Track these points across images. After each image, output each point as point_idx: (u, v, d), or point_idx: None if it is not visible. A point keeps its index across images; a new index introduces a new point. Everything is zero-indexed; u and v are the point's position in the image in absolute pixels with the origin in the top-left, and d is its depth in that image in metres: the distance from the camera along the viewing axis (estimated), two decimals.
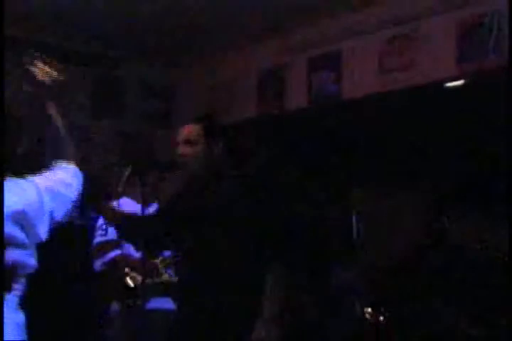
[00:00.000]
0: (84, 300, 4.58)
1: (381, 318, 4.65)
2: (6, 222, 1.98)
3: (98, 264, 3.89)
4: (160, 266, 3.73)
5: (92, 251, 3.95)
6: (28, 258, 2.10)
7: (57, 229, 2.69)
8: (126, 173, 3.75)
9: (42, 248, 2.62)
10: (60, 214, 2.19)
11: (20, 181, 2.11)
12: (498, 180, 4.88)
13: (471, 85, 4.48)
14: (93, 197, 2.92)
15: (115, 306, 3.84)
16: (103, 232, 3.72)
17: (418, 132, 5.10)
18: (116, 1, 4.62)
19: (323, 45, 4.99)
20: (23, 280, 2.13)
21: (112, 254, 3.85)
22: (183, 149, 3.02)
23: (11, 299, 2.11)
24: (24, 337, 2.10)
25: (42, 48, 5.04)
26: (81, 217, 4.03)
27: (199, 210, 3.02)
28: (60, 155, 2.38)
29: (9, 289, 2.08)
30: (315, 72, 5.12)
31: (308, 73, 5.14)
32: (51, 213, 2.13)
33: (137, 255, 3.57)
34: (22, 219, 2.02)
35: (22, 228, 2.03)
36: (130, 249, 3.69)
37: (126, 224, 3.38)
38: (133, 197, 3.80)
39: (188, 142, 3.03)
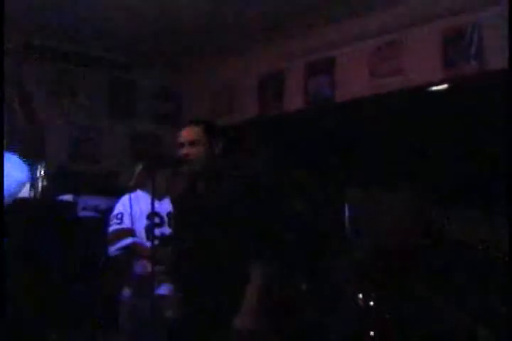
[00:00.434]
0: (96, 285, 4.57)
1: (371, 303, 4.79)
2: None
3: (112, 250, 3.90)
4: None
5: (107, 238, 3.95)
6: None
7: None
8: (138, 169, 3.89)
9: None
10: None
11: None
12: (494, 180, 5.03)
13: (454, 89, 4.61)
14: None
15: (126, 291, 3.88)
16: (118, 221, 3.90)
17: (408, 132, 5.20)
18: (130, 16, 4.79)
19: (319, 51, 5.10)
20: None
21: (126, 242, 3.86)
22: (186, 150, 3.05)
23: None
24: None
25: (66, 55, 5.39)
26: None
27: (199, 209, 3.04)
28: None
29: None
30: (312, 76, 5.19)
31: (306, 77, 5.23)
32: None
33: (148, 244, 3.67)
34: None
35: None
36: (142, 240, 3.82)
37: None
38: (146, 191, 3.85)
39: (191, 143, 3.06)
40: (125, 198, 3.94)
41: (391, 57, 4.68)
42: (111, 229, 3.92)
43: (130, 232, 3.85)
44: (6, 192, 2.51)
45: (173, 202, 3.56)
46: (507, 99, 4.09)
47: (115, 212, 3.97)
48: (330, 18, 4.80)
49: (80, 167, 5.36)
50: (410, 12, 4.54)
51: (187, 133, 3.09)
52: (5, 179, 2.54)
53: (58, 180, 4.87)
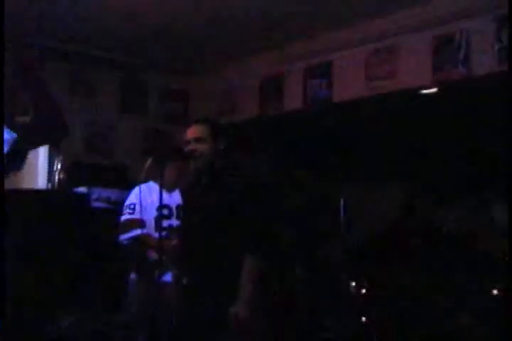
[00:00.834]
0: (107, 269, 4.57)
1: (363, 291, 4.89)
2: None
3: (122, 239, 4.00)
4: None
5: (119, 226, 4.04)
6: None
7: None
8: (147, 163, 3.86)
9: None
10: None
11: None
12: (484, 176, 5.21)
13: (443, 91, 4.81)
14: None
15: (133, 276, 3.99)
16: (131, 211, 4.00)
17: (400, 131, 5.37)
18: (142, 22, 4.92)
19: (317, 56, 5.23)
20: None
21: (135, 233, 3.94)
22: (192, 146, 3.08)
23: None
24: None
25: (84, 58, 5.50)
26: None
27: (202, 203, 3.08)
28: None
29: None
30: (310, 78, 5.31)
31: (305, 80, 5.36)
32: None
33: (156, 234, 3.72)
34: None
35: None
36: (151, 230, 3.94)
37: None
38: (158, 183, 3.76)
39: (196, 140, 3.09)
40: (137, 189, 3.95)
41: (385, 61, 4.83)
42: (123, 218, 4.02)
43: (140, 223, 3.93)
44: None
45: (181, 195, 3.65)
46: (505, 99, 4.32)
47: (128, 202, 4.06)
48: (328, 25, 4.92)
49: (93, 161, 5.48)
50: (403, 20, 4.68)
51: (193, 131, 3.14)
52: None
53: (73, 172, 4.94)
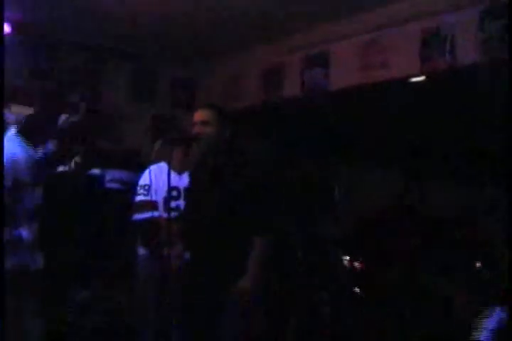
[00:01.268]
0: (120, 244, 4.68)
1: (356, 264, 5.21)
2: None
3: (135, 218, 4.02)
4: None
5: (133, 206, 4.05)
6: None
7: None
8: (157, 146, 3.75)
9: None
10: None
11: None
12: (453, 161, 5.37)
13: (431, 80, 4.96)
14: None
15: (142, 250, 4.09)
16: (145, 192, 4.00)
17: (391, 117, 5.54)
18: (155, 17, 5.04)
19: (315, 47, 5.33)
20: None
21: (147, 215, 3.95)
22: (199, 129, 3.18)
23: None
24: None
25: (101, 50, 5.71)
26: None
27: (208, 184, 3.18)
28: None
29: None
30: (308, 68, 5.40)
31: (303, 69, 5.45)
32: None
33: (165, 215, 3.75)
34: None
35: None
36: (162, 212, 3.96)
37: None
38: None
39: (203, 123, 3.18)
40: (150, 170, 4.02)
41: (377, 52, 4.93)
42: (138, 198, 4.04)
43: (153, 204, 3.96)
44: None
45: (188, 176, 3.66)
46: (490, 86, 4.66)
47: (143, 182, 4.07)
48: (325, 18, 5.04)
49: (108, 145, 5.61)
50: (394, 13, 4.81)
51: (200, 115, 3.24)
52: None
53: (89, 156, 4.99)
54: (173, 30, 5.30)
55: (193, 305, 3.13)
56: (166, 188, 3.82)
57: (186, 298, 3.19)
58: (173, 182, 3.64)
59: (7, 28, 4.82)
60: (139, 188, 4.06)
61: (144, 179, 4.07)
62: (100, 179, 5.00)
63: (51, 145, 3.29)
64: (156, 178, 3.96)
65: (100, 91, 5.80)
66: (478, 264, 4.83)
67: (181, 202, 3.87)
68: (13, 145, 3.02)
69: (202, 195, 3.19)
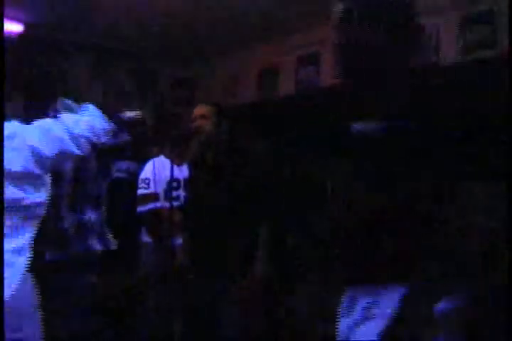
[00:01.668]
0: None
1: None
2: None
3: (139, 210, 4.12)
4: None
5: (137, 199, 4.16)
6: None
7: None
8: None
9: None
10: (47, 150, 2.22)
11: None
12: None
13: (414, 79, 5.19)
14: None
15: (146, 237, 4.16)
16: (146, 186, 4.11)
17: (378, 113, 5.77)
18: (153, 16, 5.12)
19: (308, 47, 5.50)
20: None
21: (149, 206, 4.06)
22: (198, 122, 3.34)
23: None
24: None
25: (103, 51, 5.88)
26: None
27: (207, 176, 3.23)
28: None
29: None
30: (302, 67, 5.61)
31: (297, 68, 5.65)
32: (33, 148, 2.19)
33: (167, 205, 3.76)
34: None
35: None
36: (163, 203, 4.02)
37: None
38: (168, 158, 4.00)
39: (202, 117, 3.35)
40: (150, 163, 4.15)
41: None
42: (139, 192, 4.16)
43: (154, 196, 4.08)
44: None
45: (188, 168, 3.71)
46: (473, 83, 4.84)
47: (143, 176, 4.17)
48: (317, 20, 4.80)
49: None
50: None
51: (199, 109, 3.43)
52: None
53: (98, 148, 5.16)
54: (173, 30, 5.39)
55: (194, 297, 3.21)
56: (166, 180, 3.95)
57: (188, 290, 3.27)
58: (174, 174, 3.76)
59: (18, 28, 4.99)
60: (140, 182, 4.17)
61: (145, 173, 4.18)
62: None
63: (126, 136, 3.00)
64: (157, 171, 4.06)
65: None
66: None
67: (181, 192, 3.97)
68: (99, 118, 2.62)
69: (202, 190, 3.28)
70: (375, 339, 1.72)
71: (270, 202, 3.06)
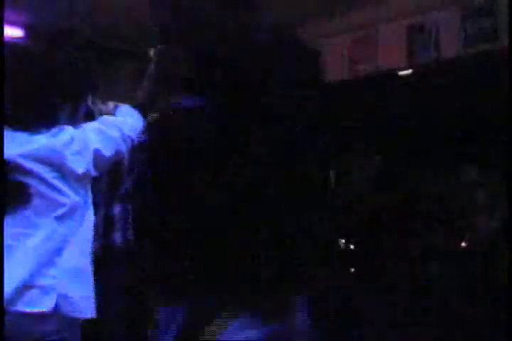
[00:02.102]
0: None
1: (352, 247, 5.37)
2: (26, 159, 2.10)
3: None
4: None
5: None
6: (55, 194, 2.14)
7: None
8: None
9: None
10: (107, 151, 2.26)
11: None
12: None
13: (417, 73, 5.29)
14: None
15: None
16: None
17: (382, 108, 5.79)
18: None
19: (312, 42, 5.20)
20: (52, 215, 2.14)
21: None
22: None
23: None
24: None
25: (105, 49, 5.78)
26: None
27: None
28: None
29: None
30: None
31: None
32: (96, 150, 2.23)
33: None
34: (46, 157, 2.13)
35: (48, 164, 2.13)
36: None
37: None
38: None
39: None
40: None
41: (367, 47, 5.18)
42: None
43: None
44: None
45: None
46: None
47: None
48: (321, 16, 5.30)
49: None
50: (383, 11, 5.04)
51: None
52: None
53: None
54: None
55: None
56: None
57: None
58: None
59: (18, 32, 5.05)
60: None
61: None
62: None
63: None
64: None
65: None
66: None
67: None
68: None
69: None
70: None
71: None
